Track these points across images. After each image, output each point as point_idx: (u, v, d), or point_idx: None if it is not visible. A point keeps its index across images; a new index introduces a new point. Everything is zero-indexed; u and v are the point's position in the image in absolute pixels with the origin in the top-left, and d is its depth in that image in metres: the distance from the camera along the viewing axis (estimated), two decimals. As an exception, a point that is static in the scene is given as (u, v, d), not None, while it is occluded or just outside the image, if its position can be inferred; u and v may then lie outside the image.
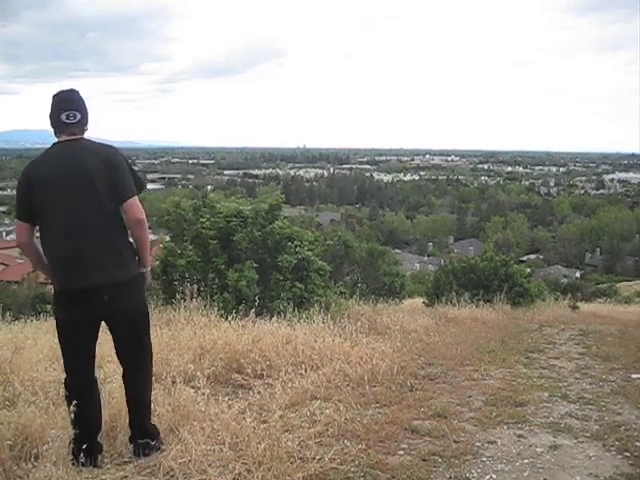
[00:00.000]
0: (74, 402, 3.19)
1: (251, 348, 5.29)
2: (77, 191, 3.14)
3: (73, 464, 3.04)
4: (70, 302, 3.20)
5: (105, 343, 5.28)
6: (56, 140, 3.29)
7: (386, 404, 4.40)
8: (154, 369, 4.55)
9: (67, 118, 3.23)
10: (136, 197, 3.22)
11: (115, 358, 4.65)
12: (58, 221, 3.16)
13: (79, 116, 3.26)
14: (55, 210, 3.16)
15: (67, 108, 3.25)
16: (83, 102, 3.34)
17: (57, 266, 3.22)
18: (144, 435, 3.33)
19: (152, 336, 5.58)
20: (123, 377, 3.45)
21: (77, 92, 3.35)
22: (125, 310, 3.26)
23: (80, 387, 3.27)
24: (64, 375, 3.34)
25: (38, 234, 3.29)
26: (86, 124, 3.34)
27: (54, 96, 3.31)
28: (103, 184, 3.14)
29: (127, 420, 3.47)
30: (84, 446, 3.12)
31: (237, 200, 10.81)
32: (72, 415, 3.19)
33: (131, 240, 3.31)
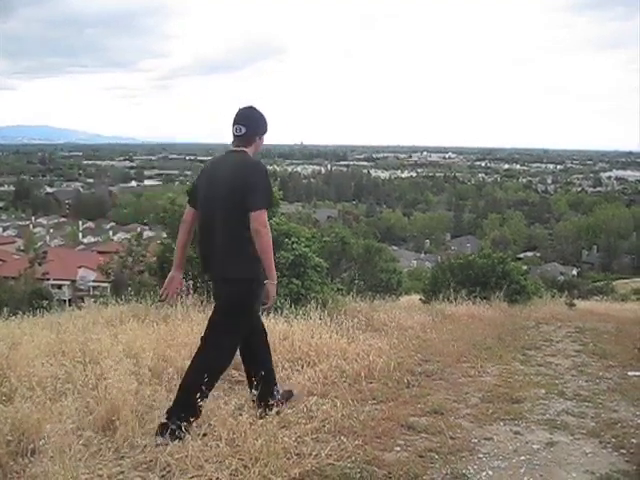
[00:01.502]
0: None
1: (248, 344, 5.28)
2: (217, 197, 3.60)
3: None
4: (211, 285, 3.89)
5: (103, 340, 5.28)
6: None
7: (383, 400, 4.40)
8: (154, 364, 4.57)
9: (235, 131, 3.71)
10: (262, 211, 3.51)
11: (110, 355, 4.68)
12: (201, 216, 3.74)
13: (244, 130, 3.70)
14: (201, 207, 3.74)
15: (237, 122, 3.72)
16: (254, 119, 3.77)
17: (198, 254, 3.92)
18: (172, 416, 3.39)
19: (150, 332, 5.58)
20: None
21: (253, 109, 3.78)
22: (218, 303, 3.74)
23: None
24: None
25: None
26: (252, 139, 3.73)
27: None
28: (239, 196, 3.51)
29: (125, 415, 3.49)
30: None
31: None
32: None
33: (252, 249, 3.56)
